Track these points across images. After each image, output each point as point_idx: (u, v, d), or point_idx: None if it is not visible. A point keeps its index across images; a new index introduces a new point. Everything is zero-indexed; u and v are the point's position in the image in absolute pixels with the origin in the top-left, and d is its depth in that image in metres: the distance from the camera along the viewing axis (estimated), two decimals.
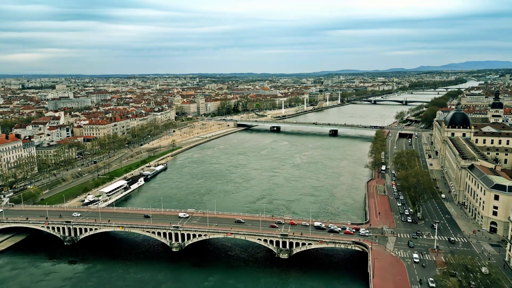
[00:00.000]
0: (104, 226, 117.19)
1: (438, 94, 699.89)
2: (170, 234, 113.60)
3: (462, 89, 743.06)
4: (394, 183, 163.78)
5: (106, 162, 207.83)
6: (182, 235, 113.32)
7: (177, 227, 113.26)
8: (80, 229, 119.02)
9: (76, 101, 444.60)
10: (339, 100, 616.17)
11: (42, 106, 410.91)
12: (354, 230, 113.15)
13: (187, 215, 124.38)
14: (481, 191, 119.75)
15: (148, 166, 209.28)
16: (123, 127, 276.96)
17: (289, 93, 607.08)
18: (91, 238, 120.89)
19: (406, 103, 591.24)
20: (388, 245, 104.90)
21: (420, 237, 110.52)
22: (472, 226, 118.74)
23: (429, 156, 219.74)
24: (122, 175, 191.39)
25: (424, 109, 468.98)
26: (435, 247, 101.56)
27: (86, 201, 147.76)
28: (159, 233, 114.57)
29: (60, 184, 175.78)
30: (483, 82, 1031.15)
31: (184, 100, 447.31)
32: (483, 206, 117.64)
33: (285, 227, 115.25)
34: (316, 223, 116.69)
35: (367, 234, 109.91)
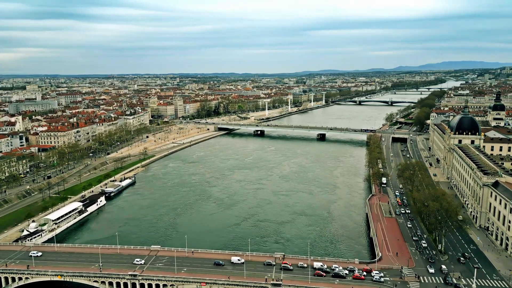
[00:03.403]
0: (37, 274, 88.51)
1: (421, 94, 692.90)
2: (125, 284, 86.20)
3: (445, 89, 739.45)
4: (399, 200, 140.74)
5: (62, 177, 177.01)
6: (142, 285, 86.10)
7: (135, 275, 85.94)
8: (6, 278, 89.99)
9: (41, 104, 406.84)
10: (324, 100, 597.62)
11: (2, 109, 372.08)
12: (364, 272, 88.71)
13: (150, 255, 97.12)
14: None
15: (113, 181, 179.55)
16: (87, 133, 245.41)
17: (272, 94, 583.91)
18: None
19: (391, 103, 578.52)
20: None
21: (448, 280, 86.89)
22: (507, 262, 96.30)
23: (430, 165, 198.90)
24: (81, 192, 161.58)
25: (412, 110, 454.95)
26: None
27: (25, 232, 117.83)
28: (110, 283, 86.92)
29: (0, 207, 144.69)
30: (464, 82, 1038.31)
31: (161, 101, 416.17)
32: None
33: (277, 270, 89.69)
34: (316, 264, 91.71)
35: (382, 279, 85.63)
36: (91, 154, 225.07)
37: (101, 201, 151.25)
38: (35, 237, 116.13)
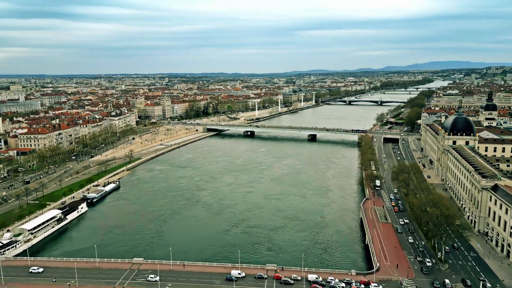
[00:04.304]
0: None
1: (410, 94, 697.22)
2: None
3: (433, 89, 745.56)
4: (396, 207, 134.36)
5: (42, 182, 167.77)
6: None
7: None
8: None
9: (23, 105, 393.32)
10: (314, 100, 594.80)
11: None
12: (362, 285, 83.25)
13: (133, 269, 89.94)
14: None
15: (96, 185, 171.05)
16: (70, 135, 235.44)
17: (262, 94, 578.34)
18: None
19: (381, 103, 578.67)
20: None
21: None
22: (510, 270, 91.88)
23: (423, 166, 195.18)
24: (61, 198, 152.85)
25: (402, 110, 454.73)
26: None
27: None
28: None
29: None
30: (451, 81, 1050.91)
31: (148, 102, 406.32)
32: None
33: (269, 284, 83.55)
34: (311, 276, 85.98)
35: None
36: (73, 158, 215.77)
37: (82, 208, 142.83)
38: (9, 249, 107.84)
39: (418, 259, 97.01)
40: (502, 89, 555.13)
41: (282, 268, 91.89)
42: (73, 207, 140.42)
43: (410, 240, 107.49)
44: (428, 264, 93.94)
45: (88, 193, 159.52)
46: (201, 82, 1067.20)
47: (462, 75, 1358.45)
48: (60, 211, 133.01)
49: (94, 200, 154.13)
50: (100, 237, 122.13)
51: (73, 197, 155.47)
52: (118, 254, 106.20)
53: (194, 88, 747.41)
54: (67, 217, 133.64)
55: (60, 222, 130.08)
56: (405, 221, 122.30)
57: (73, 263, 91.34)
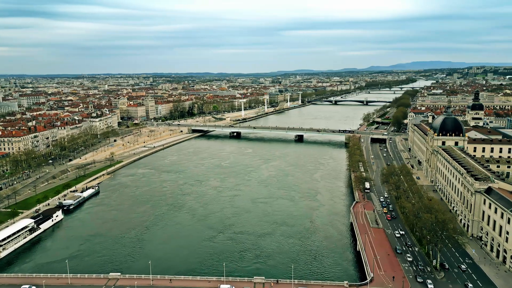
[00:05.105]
0: None
1: (395, 93, 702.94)
2: None
3: (417, 88, 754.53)
4: (388, 215, 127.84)
5: (15, 188, 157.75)
6: None
7: None
8: None
9: None
10: (300, 100, 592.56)
11: None
12: None
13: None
14: None
15: (74, 191, 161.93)
16: (47, 138, 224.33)
17: (248, 94, 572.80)
18: None
19: (367, 103, 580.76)
20: None
21: None
22: (508, 278, 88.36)
23: (412, 167, 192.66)
24: (35, 206, 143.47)
25: (388, 109, 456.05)
26: None
27: None
28: None
29: None
30: (434, 81, 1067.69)
31: (131, 102, 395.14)
32: None
33: None
34: None
35: None
36: (50, 161, 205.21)
37: (57, 216, 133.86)
38: None
39: (418, 280, 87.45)
40: (484, 88, 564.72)
41: (277, 281, 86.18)
42: (47, 215, 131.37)
43: (409, 259, 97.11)
44: (430, 286, 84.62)
45: (65, 199, 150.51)
46: (186, 82, 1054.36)
47: (445, 75, 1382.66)
48: (33, 220, 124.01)
49: (71, 207, 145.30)
50: (76, 248, 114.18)
51: (48, 204, 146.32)
52: (94, 267, 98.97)
53: (179, 88, 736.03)
54: (40, 226, 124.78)
55: (33, 232, 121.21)
56: (401, 232, 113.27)
57: (42, 279, 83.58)
